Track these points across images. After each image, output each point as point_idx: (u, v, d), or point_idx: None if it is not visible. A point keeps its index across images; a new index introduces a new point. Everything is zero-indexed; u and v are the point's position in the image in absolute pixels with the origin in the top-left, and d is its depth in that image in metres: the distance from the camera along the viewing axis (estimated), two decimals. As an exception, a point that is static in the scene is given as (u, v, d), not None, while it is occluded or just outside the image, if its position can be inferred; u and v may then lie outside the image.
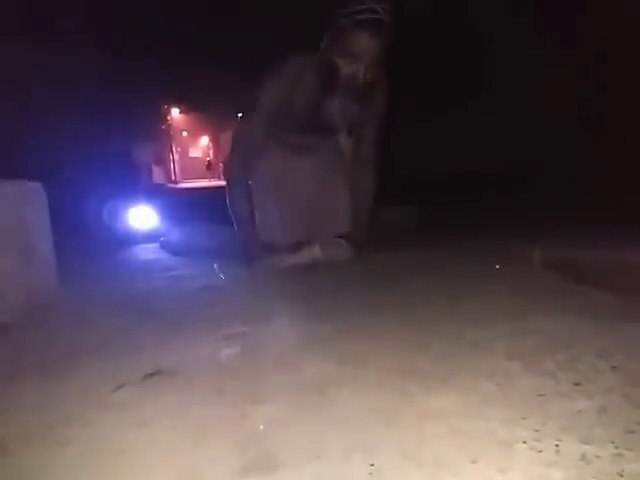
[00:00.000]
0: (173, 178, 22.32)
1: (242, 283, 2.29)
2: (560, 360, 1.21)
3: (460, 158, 6.23)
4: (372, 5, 2.23)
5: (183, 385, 1.20)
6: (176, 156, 24.60)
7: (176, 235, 3.22)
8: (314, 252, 2.58)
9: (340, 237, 2.68)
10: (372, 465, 0.84)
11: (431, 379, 1.15)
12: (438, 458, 0.85)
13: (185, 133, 27.63)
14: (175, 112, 25.26)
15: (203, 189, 13.58)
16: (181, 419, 1.04)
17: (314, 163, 2.80)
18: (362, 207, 2.77)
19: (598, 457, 0.83)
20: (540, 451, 0.85)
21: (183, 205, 6.29)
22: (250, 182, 2.63)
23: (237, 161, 2.63)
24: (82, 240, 3.49)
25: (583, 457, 0.83)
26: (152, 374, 1.26)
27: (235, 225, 2.60)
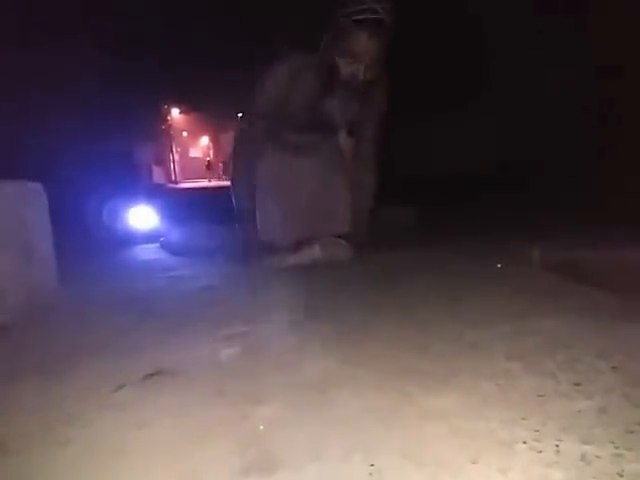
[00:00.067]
0: (173, 178, 22.32)
1: (242, 283, 2.29)
2: (560, 360, 1.21)
3: (460, 158, 6.23)
4: (372, 5, 2.23)
5: (183, 385, 1.20)
6: (176, 156, 24.61)
7: (176, 235, 3.22)
8: (314, 252, 2.58)
9: (340, 237, 2.68)
10: (372, 465, 0.84)
11: (431, 379, 1.15)
12: (438, 458, 0.85)
13: (185, 133, 27.63)
14: (175, 112, 25.27)
15: (203, 189, 13.59)
16: (181, 419, 1.04)
17: (314, 163, 2.80)
18: (362, 207, 2.78)
19: (598, 457, 0.83)
20: (540, 451, 0.85)
21: (183, 205, 6.29)
22: (253, 182, 2.65)
23: (240, 161, 2.66)
24: (82, 240, 3.49)
25: (583, 457, 0.83)
26: (152, 374, 1.26)
27: (238, 224, 2.62)
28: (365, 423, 0.98)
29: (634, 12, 4.15)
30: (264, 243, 2.63)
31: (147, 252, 3.25)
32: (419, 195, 4.47)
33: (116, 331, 1.63)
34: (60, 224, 2.25)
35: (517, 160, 5.61)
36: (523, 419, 0.96)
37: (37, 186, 2.02)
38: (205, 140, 29.25)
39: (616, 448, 0.85)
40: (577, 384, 1.09)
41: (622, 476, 0.78)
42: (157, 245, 3.34)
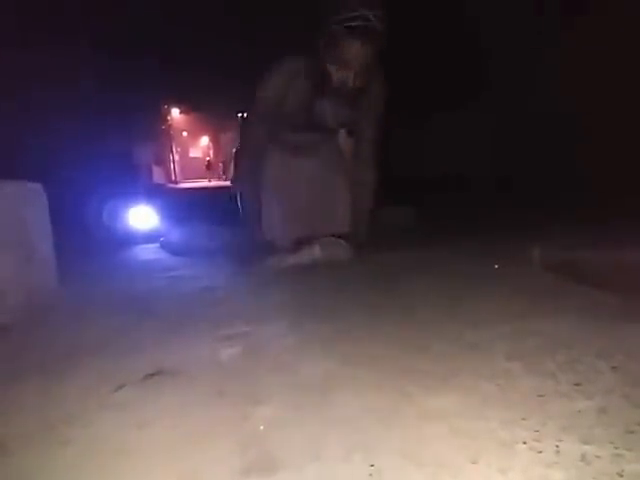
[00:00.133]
0: (173, 178, 22.31)
1: (242, 283, 2.29)
2: (560, 361, 1.21)
3: (460, 158, 6.23)
4: (364, 13, 2.25)
5: (184, 385, 1.20)
6: (176, 156, 24.60)
7: (176, 235, 3.23)
8: (314, 252, 2.59)
9: (340, 237, 2.69)
10: (372, 466, 0.84)
11: (431, 379, 1.15)
12: (438, 458, 0.85)
13: (185, 133, 27.63)
14: (175, 112, 25.26)
15: (203, 189, 13.58)
16: (182, 419, 1.04)
17: (314, 163, 2.82)
18: (362, 206, 2.80)
19: (598, 457, 0.83)
20: (540, 451, 0.85)
21: (183, 205, 6.30)
22: (257, 182, 2.69)
23: (243, 162, 2.70)
24: (82, 240, 3.49)
25: (583, 457, 0.83)
26: (153, 374, 1.26)
27: (243, 225, 2.66)
28: (365, 423, 0.98)
29: (633, 13, 4.15)
30: (266, 243, 2.66)
31: (147, 252, 3.25)
32: (419, 195, 4.47)
33: (116, 331, 1.63)
34: (60, 224, 2.25)
35: (517, 160, 5.62)
36: (523, 419, 0.96)
37: (37, 186, 2.02)
38: (205, 140, 29.25)
39: (616, 448, 0.85)
40: (577, 384, 1.09)
41: (622, 476, 0.78)
42: (157, 245, 3.34)
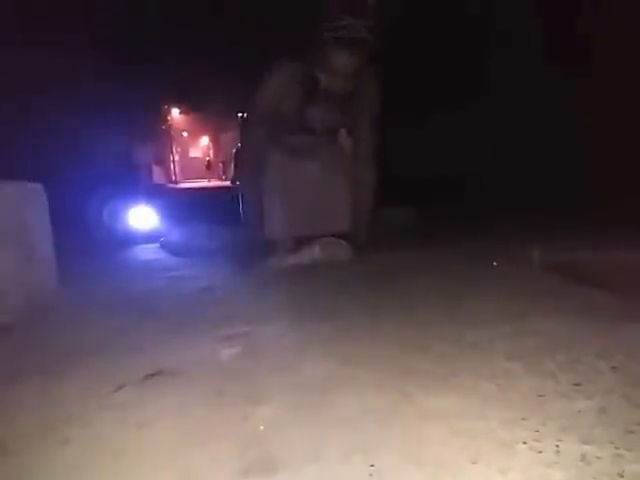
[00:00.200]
0: (173, 178, 22.31)
1: (242, 283, 2.29)
2: (560, 361, 1.21)
3: (460, 159, 6.23)
4: (352, 23, 2.30)
5: (184, 385, 1.20)
6: (176, 156, 24.59)
7: (176, 235, 3.23)
8: (314, 252, 2.59)
9: (340, 237, 2.70)
10: (372, 466, 0.84)
11: (431, 379, 1.15)
12: (438, 458, 0.85)
13: (185, 133, 27.63)
14: (175, 112, 25.25)
15: (203, 189, 13.58)
16: (181, 419, 1.04)
17: (314, 165, 2.84)
18: (363, 206, 2.82)
19: (598, 457, 0.83)
20: (540, 451, 0.86)
21: (183, 205, 6.29)
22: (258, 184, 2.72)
23: (245, 162, 2.77)
24: (82, 240, 3.49)
25: (583, 457, 0.83)
26: (153, 374, 1.26)
27: (244, 225, 2.69)
28: (365, 423, 0.98)
29: (632, 14, 4.15)
30: (268, 243, 2.67)
31: (147, 252, 3.25)
32: (419, 195, 4.47)
33: (116, 331, 1.63)
34: (60, 224, 2.25)
35: (517, 160, 5.61)
36: (523, 419, 0.96)
37: (37, 186, 2.02)
38: (205, 140, 29.25)
39: (616, 448, 0.85)
40: (577, 384, 1.09)
41: (622, 476, 0.78)
42: (157, 245, 3.35)
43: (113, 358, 1.38)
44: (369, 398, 1.08)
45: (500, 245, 2.67)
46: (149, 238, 3.53)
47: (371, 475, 0.82)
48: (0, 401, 1.18)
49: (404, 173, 5.69)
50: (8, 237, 1.79)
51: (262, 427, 0.98)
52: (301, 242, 2.66)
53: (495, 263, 2.24)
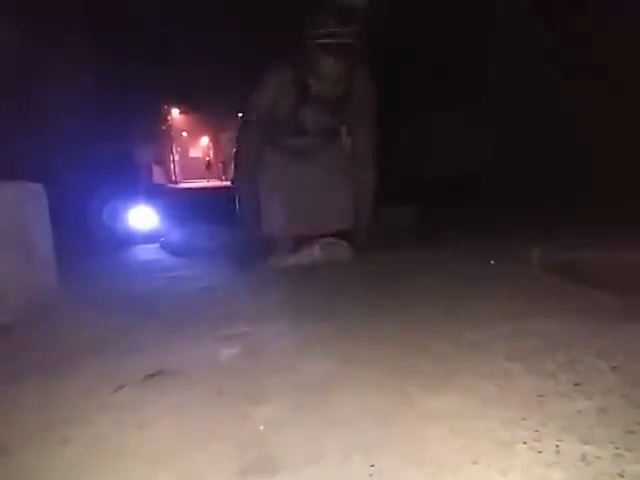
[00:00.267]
0: (173, 178, 22.32)
1: (242, 283, 2.29)
2: (560, 361, 1.21)
3: (459, 159, 6.23)
4: (338, 30, 2.32)
5: (184, 385, 1.20)
6: (176, 156, 24.60)
7: (176, 235, 3.23)
8: (314, 252, 2.59)
9: (341, 237, 2.70)
10: (372, 466, 0.84)
11: (431, 380, 1.15)
12: (438, 459, 0.85)
13: (185, 133, 27.63)
14: (175, 112, 25.26)
15: (203, 189, 13.59)
16: (181, 420, 1.04)
17: (313, 163, 2.84)
18: (363, 205, 2.82)
19: (598, 458, 0.83)
20: (540, 452, 0.85)
21: (183, 205, 6.29)
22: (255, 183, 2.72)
23: (242, 165, 2.76)
24: (82, 240, 3.49)
25: (583, 458, 0.83)
26: (153, 374, 1.26)
27: (241, 225, 2.69)
28: (365, 424, 0.98)
29: (632, 14, 4.15)
30: (266, 242, 2.67)
31: (147, 252, 3.26)
32: (419, 195, 4.47)
33: (116, 331, 1.63)
34: (60, 224, 2.25)
35: (517, 160, 5.61)
36: (523, 419, 0.96)
37: (37, 187, 2.02)
38: (205, 140, 29.25)
39: (616, 448, 0.85)
40: (577, 384, 1.09)
41: (623, 477, 0.78)
42: (157, 245, 3.35)
43: (113, 358, 1.39)
44: (369, 398, 1.08)
45: (500, 245, 2.67)
46: (149, 238, 3.53)
47: (371, 475, 0.82)
48: (0, 401, 1.18)
49: (404, 173, 5.69)
50: (8, 237, 1.79)
51: (262, 427, 0.98)
52: (301, 242, 2.67)
53: (492, 261, 2.24)
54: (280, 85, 2.56)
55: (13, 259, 1.80)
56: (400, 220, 3.60)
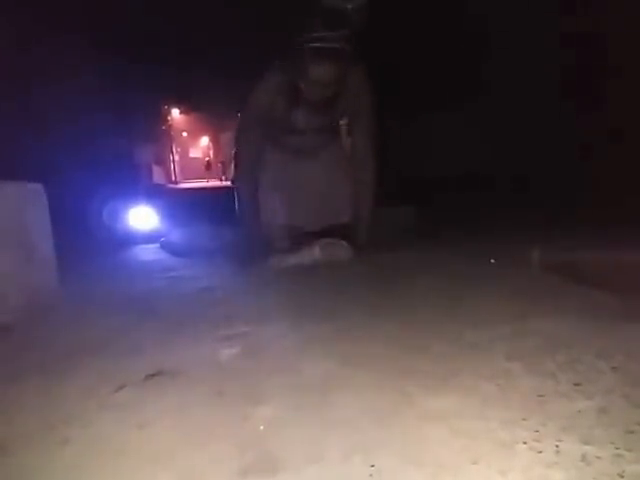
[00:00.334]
0: (173, 178, 22.32)
1: (242, 283, 2.29)
2: (560, 361, 1.21)
3: (460, 159, 6.23)
4: (327, 34, 2.33)
5: (184, 386, 1.20)
6: (176, 156, 24.59)
7: (176, 236, 3.23)
8: (314, 252, 2.59)
9: (341, 237, 2.71)
10: (372, 466, 0.84)
11: (431, 380, 1.15)
12: (438, 459, 0.85)
13: (185, 133, 27.63)
14: (175, 112, 25.26)
15: (203, 189, 13.59)
16: (182, 420, 1.04)
17: (313, 162, 2.85)
18: (363, 205, 2.82)
19: (598, 458, 0.83)
20: (540, 452, 0.85)
21: (183, 205, 6.29)
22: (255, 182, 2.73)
23: (242, 163, 2.77)
24: (82, 241, 3.49)
25: (583, 458, 0.83)
26: (153, 374, 1.26)
27: (241, 224, 2.70)
28: (365, 424, 0.98)
29: (634, 12, 4.15)
30: (265, 241, 2.68)
31: (147, 252, 3.26)
32: (419, 195, 4.47)
33: (116, 331, 1.63)
34: (61, 224, 2.25)
35: (516, 160, 5.61)
36: (523, 419, 0.96)
37: (37, 187, 2.02)
38: (205, 140, 29.25)
39: (616, 449, 0.85)
40: (577, 384, 1.09)
41: (623, 477, 0.78)
42: (157, 245, 3.35)
43: (113, 358, 1.39)
44: (369, 398, 1.08)
45: (500, 245, 2.67)
46: (149, 238, 3.54)
47: (371, 475, 0.82)
48: (0, 401, 1.18)
49: (404, 173, 5.69)
50: (8, 237, 1.79)
51: (262, 427, 0.98)
52: (301, 242, 2.67)
53: (493, 260, 2.24)
54: (279, 85, 2.58)
55: (13, 259, 1.80)
56: (400, 220, 3.60)
